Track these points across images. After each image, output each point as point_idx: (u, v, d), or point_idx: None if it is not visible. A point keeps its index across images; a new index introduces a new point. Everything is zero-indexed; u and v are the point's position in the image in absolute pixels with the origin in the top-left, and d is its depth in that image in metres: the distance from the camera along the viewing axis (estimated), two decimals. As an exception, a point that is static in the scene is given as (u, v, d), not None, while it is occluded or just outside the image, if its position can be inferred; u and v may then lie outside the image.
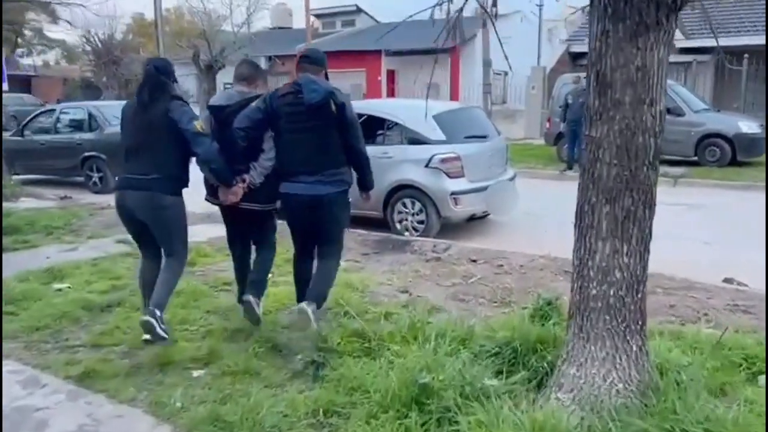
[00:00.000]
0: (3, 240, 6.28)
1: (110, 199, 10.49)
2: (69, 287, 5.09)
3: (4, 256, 5.75)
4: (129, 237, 6.80)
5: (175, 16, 42.83)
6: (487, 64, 17.47)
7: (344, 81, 25.91)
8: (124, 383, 3.43)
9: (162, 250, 4.01)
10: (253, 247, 4.50)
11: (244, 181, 3.96)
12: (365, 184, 4.28)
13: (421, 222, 7.40)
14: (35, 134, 11.82)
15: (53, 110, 11.94)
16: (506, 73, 26.28)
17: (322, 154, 3.91)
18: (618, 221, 2.70)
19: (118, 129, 11.07)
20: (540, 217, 8.74)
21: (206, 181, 4.21)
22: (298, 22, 37.46)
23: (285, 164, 3.97)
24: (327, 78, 4.06)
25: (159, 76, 3.82)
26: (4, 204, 9.26)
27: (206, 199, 4.34)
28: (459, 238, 7.58)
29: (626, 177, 2.64)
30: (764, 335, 3.75)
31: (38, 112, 12.48)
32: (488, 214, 7.91)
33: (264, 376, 3.46)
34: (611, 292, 2.75)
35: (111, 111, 11.51)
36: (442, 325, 3.72)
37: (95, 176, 11.16)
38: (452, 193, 7.19)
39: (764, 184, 9.66)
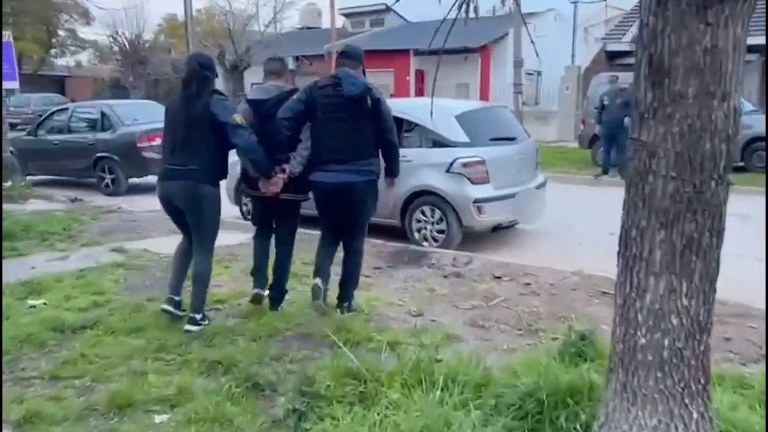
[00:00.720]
0: (-11, 247, 5.85)
1: (120, 202, 10.19)
2: (45, 303, 4.59)
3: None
4: (123, 245, 6.45)
5: (206, 17, 42.84)
6: (518, 63, 16.71)
7: (371, 81, 25.29)
8: (71, 431, 2.89)
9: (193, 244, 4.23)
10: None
11: (284, 171, 4.13)
12: (392, 172, 4.46)
13: (441, 232, 6.78)
14: (49, 134, 11.50)
15: (66, 109, 11.59)
16: (539, 73, 25.46)
17: (354, 145, 4.10)
18: (676, 251, 2.07)
19: (131, 129, 10.68)
20: (572, 227, 8.05)
21: (244, 174, 4.42)
22: (327, 22, 37.10)
23: (319, 153, 4.16)
24: (364, 74, 4.28)
25: (202, 72, 4.01)
26: (10, 206, 8.92)
27: (243, 191, 4.70)
28: (482, 249, 6.94)
29: (688, 194, 2.01)
30: None
31: (51, 111, 12.16)
32: (515, 224, 7.24)
33: (237, 425, 2.89)
34: (665, 343, 2.12)
35: (125, 110, 11.18)
36: (454, 364, 3.10)
37: (107, 178, 10.78)
38: (475, 201, 6.56)
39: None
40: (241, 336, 3.99)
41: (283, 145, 4.13)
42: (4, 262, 5.75)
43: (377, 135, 4.20)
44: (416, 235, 6.93)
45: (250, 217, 8.14)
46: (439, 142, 6.74)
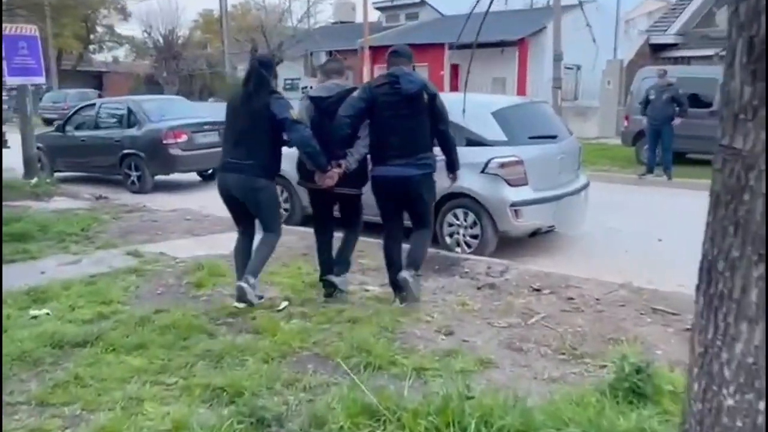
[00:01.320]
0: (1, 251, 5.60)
1: (146, 200, 9.95)
2: (47, 314, 4.29)
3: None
4: (140, 248, 6.15)
5: (241, 12, 42.83)
6: (557, 57, 16.10)
7: (406, 76, 24.91)
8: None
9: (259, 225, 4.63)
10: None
11: (339, 165, 4.31)
12: (453, 166, 4.75)
13: (474, 237, 6.33)
14: (76, 130, 11.34)
15: (93, 105, 11.42)
16: (578, 68, 24.66)
17: (413, 140, 4.34)
18: (778, 291, 1.59)
19: (157, 126, 10.52)
20: (617, 231, 7.51)
21: (300, 167, 4.57)
22: (361, 16, 36.76)
23: (379, 149, 4.38)
24: (414, 70, 4.49)
25: (260, 71, 4.32)
26: (34, 204, 8.75)
27: (299, 183, 4.80)
28: (519, 256, 6.47)
29: (797, 218, 1.54)
30: None
31: (79, 107, 12.02)
32: (554, 229, 6.73)
33: (235, 472, 2.51)
34: (760, 407, 1.65)
35: (152, 106, 10.96)
36: (488, 403, 2.66)
37: (133, 175, 10.56)
38: (512, 204, 6.09)
39: None
40: (252, 356, 3.61)
41: (342, 140, 4.30)
42: (13, 266, 5.51)
43: (433, 129, 4.44)
44: (448, 239, 6.49)
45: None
46: (473, 141, 6.27)
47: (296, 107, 4.54)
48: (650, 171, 11.68)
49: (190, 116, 10.99)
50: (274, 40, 22.63)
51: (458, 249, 6.41)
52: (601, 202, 7.93)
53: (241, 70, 30.58)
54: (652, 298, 4.79)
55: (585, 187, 6.96)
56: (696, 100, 11.95)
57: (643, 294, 4.91)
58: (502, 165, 6.10)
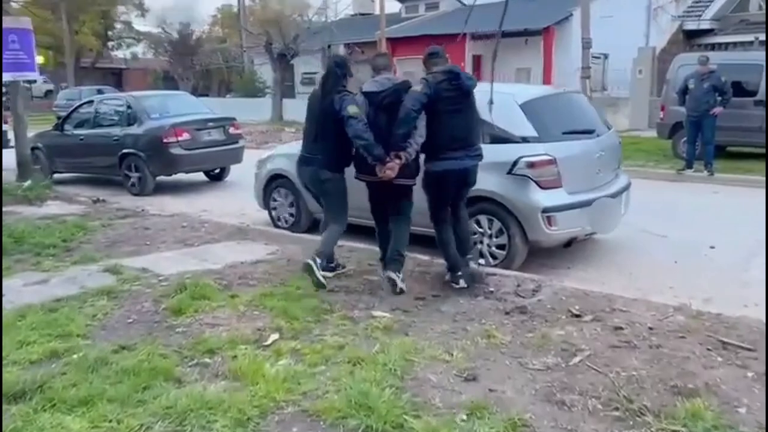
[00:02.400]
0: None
1: (146, 203, 9.26)
2: (-10, 353, 3.59)
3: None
4: (121, 262, 5.45)
5: (260, 6, 42.15)
6: (586, 44, 15.15)
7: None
8: None
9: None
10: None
11: (399, 157, 4.49)
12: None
13: (501, 247, 5.53)
14: (75, 129, 10.70)
15: (92, 101, 10.75)
16: (605, 57, 23.57)
17: (470, 133, 4.70)
18: None
19: (158, 123, 9.87)
20: (662, 238, 6.66)
21: (359, 161, 4.76)
22: (388, 7, 35.92)
23: (439, 143, 4.59)
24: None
25: (336, 71, 4.78)
26: (24, 209, 8.14)
27: (356, 177, 4.90)
28: (551, 268, 5.69)
29: None
30: None
31: (79, 104, 11.40)
32: (593, 235, 5.90)
33: None
34: None
35: (152, 103, 10.32)
36: None
37: (133, 176, 9.89)
38: (544, 210, 5.28)
39: None
40: (223, 415, 2.87)
41: (408, 133, 4.49)
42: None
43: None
44: (471, 250, 5.70)
45: (281, 222, 7.19)
46: (499, 137, 5.47)
47: None
48: (689, 166, 10.76)
49: (193, 113, 10.29)
50: (290, 33, 21.88)
51: (482, 261, 5.61)
52: (638, 201, 7.08)
53: (257, 65, 30.07)
54: (716, 326, 3.96)
55: (626, 188, 6.11)
56: (738, 88, 10.97)
57: (705, 320, 4.08)
58: (532, 165, 5.29)
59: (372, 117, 4.61)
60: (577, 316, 4.17)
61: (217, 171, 10.89)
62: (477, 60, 24.46)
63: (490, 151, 5.40)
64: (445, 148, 4.59)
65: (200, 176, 11.08)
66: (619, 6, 23.98)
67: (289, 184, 6.94)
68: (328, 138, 4.75)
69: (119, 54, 46.29)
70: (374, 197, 5.02)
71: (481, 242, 5.64)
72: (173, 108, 10.26)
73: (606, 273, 5.63)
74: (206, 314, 4.20)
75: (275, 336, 3.79)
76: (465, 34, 24.00)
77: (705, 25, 18.78)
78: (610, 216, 5.74)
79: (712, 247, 6.23)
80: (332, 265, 5.14)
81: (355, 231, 5.70)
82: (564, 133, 5.54)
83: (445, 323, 4.07)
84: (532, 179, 5.30)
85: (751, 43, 16.33)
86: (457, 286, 4.79)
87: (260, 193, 7.47)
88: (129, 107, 9.99)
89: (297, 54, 21.03)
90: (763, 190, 8.95)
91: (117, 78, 46.83)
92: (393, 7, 32.80)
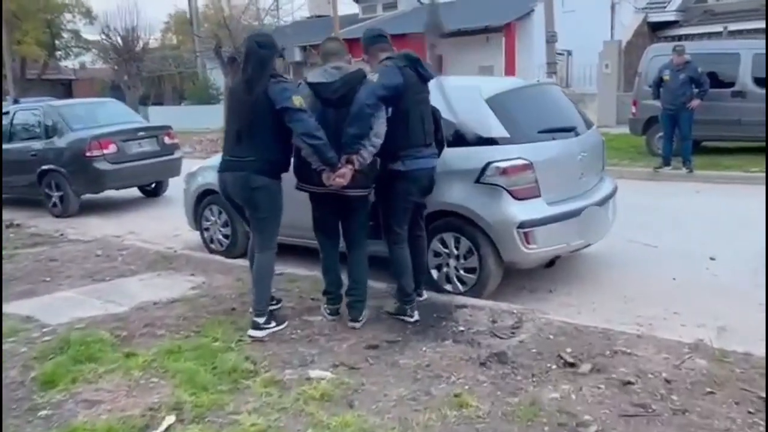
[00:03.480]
0: None
1: (67, 226, 8.03)
2: None
3: None
4: (7, 308, 4.38)
5: (213, 11, 40.79)
6: (551, 38, 14.41)
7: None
8: None
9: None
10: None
11: (351, 162, 3.73)
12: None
13: (470, 271, 4.60)
14: (-10, 143, 9.47)
15: (8, 113, 9.51)
16: (569, 53, 22.97)
17: (430, 128, 4.03)
18: None
19: (80, 135, 8.36)
20: (652, 249, 5.83)
21: (300, 167, 3.93)
22: (339, 9, 34.89)
23: (410, 137, 3.89)
24: None
25: (261, 52, 3.75)
26: None
27: (297, 188, 4.03)
28: (531, 292, 4.79)
29: None
30: None
31: (-8, 115, 10.15)
32: (584, 248, 4.99)
33: None
34: None
35: (75, 112, 9.17)
36: None
37: (55, 196, 8.73)
38: (521, 225, 4.37)
39: None
40: None
41: (362, 134, 3.74)
42: None
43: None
44: (435, 273, 4.76)
45: (214, 245, 6.18)
46: (464, 139, 4.54)
47: None
48: (667, 163, 10.01)
49: (122, 122, 9.17)
50: (240, 35, 20.75)
51: (449, 287, 4.70)
52: (619, 205, 6.28)
53: (210, 69, 28.79)
54: (749, 373, 3.10)
55: (613, 193, 5.25)
56: (714, 80, 10.27)
57: (732, 363, 3.21)
58: (505, 171, 4.37)
59: (319, 113, 3.77)
60: (572, 365, 3.25)
61: (153, 186, 9.77)
62: (438, 59, 23.63)
63: (454, 156, 4.52)
64: (416, 145, 3.88)
65: (135, 192, 9.96)
66: (581, 2, 23.48)
67: (221, 200, 5.91)
68: (260, 136, 3.76)
69: (68, 64, 44.43)
70: (320, 213, 4.11)
71: (447, 265, 4.70)
72: (99, 118, 9.13)
73: (595, 295, 4.75)
74: (87, 385, 3.17)
75: (170, 419, 2.78)
76: (424, 33, 23.30)
77: (670, 17, 18.22)
78: (597, 227, 4.89)
79: (713, 259, 5.41)
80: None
81: (292, 252, 4.74)
82: (540, 132, 4.64)
83: (404, 384, 3.12)
84: (504, 188, 4.39)
85: (719, 33, 15.77)
86: (411, 320, 3.98)
87: (190, 211, 6.43)
88: (48, 118, 8.81)
89: (248, 57, 19.89)
90: (747, 188, 8.25)
91: (66, 89, 44.95)
92: (351, 8, 31.94)
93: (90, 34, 40.06)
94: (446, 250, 4.69)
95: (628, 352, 3.39)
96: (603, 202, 4.96)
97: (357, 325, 3.92)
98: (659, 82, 9.86)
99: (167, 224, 7.67)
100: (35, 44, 38.85)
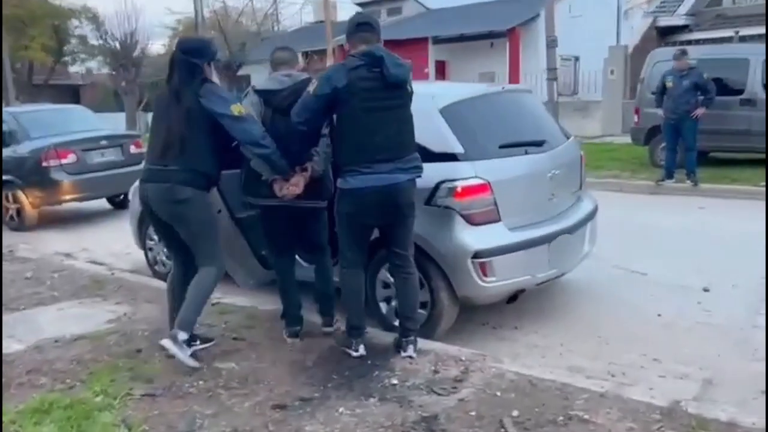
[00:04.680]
0: None
1: (22, 241, 7.50)
2: None
3: None
4: None
5: (219, 18, 40.47)
6: (551, 43, 13.71)
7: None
8: None
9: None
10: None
11: (305, 169, 3.55)
12: None
13: (422, 305, 3.99)
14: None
15: (-34, 121, 9.07)
16: (576, 59, 22.31)
17: (402, 138, 3.43)
18: None
19: (37, 144, 7.60)
20: (640, 276, 5.20)
21: (248, 180, 3.70)
22: (343, 15, 34.51)
23: (355, 152, 3.35)
24: None
25: (185, 58, 3.44)
26: None
27: (246, 202, 3.86)
28: (494, 328, 4.18)
29: None
30: None
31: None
32: (555, 278, 4.35)
33: None
34: None
35: (35, 119, 8.69)
36: None
37: (12, 208, 8.23)
38: (476, 255, 3.76)
39: None
40: None
41: (304, 142, 3.55)
42: None
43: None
44: (383, 307, 4.17)
45: (158, 266, 5.65)
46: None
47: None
48: (670, 176, 9.35)
49: (85, 130, 8.67)
50: (235, 41, 20.37)
51: (398, 322, 4.09)
52: (610, 224, 5.64)
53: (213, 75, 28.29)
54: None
55: (591, 216, 4.61)
56: (721, 86, 9.59)
57: (712, 437, 2.58)
58: (458, 192, 3.77)
59: (269, 121, 3.54)
60: (522, 427, 2.64)
61: (122, 197, 9.25)
62: (441, 65, 23.10)
63: (402, 174, 3.91)
64: (364, 159, 3.33)
65: (103, 203, 9.45)
66: (588, 5, 22.81)
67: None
68: (190, 147, 3.40)
69: (75, 70, 44.32)
70: (272, 228, 3.81)
71: (394, 298, 4.10)
72: (62, 125, 8.63)
73: (566, 334, 4.13)
74: None
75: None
76: (427, 39, 22.76)
77: (679, 21, 17.50)
78: (570, 255, 4.27)
79: (706, 290, 4.76)
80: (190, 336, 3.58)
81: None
82: (502, 147, 4.03)
83: (300, 461, 2.52)
84: (458, 212, 3.78)
85: (730, 38, 15.06)
86: (355, 354, 3.56)
87: (135, 228, 5.89)
88: (5, 125, 8.33)
89: (243, 63, 19.44)
90: (757, 204, 7.57)
91: (74, 94, 44.93)
92: (352, 12, 31.49)
93: (96, 39, 39.99)
94: (392, 280, 4.09)
95: (585, 419, 2.77)
96: (578, 227, 4.34)
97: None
98: (663, 89, 9.21)
99: (123, 241, 7.13)
100: (42, 50, 38.82)
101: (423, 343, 3.71)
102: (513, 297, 4.09)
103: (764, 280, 4.70)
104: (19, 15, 36.82)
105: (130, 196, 6.09)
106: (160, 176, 3.45)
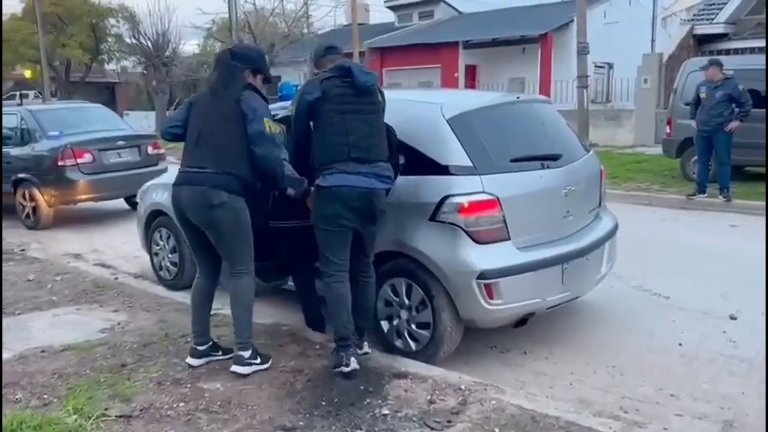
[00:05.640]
0: None
1: (34, 240, 7.49)
2: None
3: None
4: None
5: (255, 19, 40.67)
6: (582, 49, 13.35)
7: (413, 78, 22.39)
8: None
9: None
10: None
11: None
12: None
13: (424, 326, 3.78)
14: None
15: (-13, 117, 9.10)
16: (610, 66, 21.83)
17: (376, 143, 3.44)
18: None
19: (53, 142, 7.46)
20: (662, 299, 4.89)
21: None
22: (375, 18, 34.37)
23: (333, 151, 3.37)
24: None
25: (231, 62, 3.44)
26: None
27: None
28: (501, 352, 3.93)
29: None
30: None
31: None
32: (568, 302, 4.09)
33: None
34: None
35: (53, 117, 8.65)
36: None
37: (28, 206, 8.22)
38: (482, 276, 3.52)
39: None
40: None
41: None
42: None
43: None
44: (385, 326, 3.96)
45: (163, 273, 5.52)
46: (416, 166, 3.74)
47: None
48: (702, 190, 8.96)
49: (103, 129, 8.63)
50: (266, 41, 20.33)
51: (399, 343, 3.89)
52: (635, 237, 5.35)
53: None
54: None
55: (610, 235, 4.33)
56: (758, 98, 9.18)
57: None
58: (464, 208, 3.54)
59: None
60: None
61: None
62: (471, 69, 22.80)
63: (406, 186, 3.72)
64: (341, 158, 3.35)
65: (121, 203, 9.40)
66: (624, 11, 22.30)
67: (170, 223, 5.24)
68: (228, 147, 3.34)
69: (112, 67, 44.98)
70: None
71: (399, 317, 3.89)
72: (80, 124, 8.61)
73: (578, 363, 3.86)
74: None
75: None
76: (458, 43, 22.49)
77: (718, 30, 16.95)
78: (584, 277, 4.01)
79: (733, 318, 4.45)
80: (203, 348, 3.60)
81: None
82: (513, 161, 3.79)
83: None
84: (463, 229, 3.55)
85: (770, 47, 14.49)
86: (347, 370, 3.38)
87: (142, 232, 5.79)
88: (23, 122, 8.32)
89: (272, 64, 19.36)
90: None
91: (110, 92, 45.67)
92: (387, 17, 31.30)
93: (130, 38, 40.53)
94: (397, 299, 3.88)
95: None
96: (595, 247, 4.07)
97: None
98: (697, 100, 8.84)
99: (134, 243, 7.03)
100: (79, 48, 39.48)
101: (422, 369, 3.50)
102: (521, 321, 3.84)
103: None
104: (59, 13, 37.59)
105: (137, 199, 5.99)
106: (194, 179, 3.36)
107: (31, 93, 38.64)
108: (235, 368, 3.41)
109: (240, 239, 3.41)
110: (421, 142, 3.72)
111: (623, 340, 4.19)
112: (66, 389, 3.24)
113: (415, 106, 3.99)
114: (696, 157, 9.32)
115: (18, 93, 37.12)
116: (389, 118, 3.60)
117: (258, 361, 3.46)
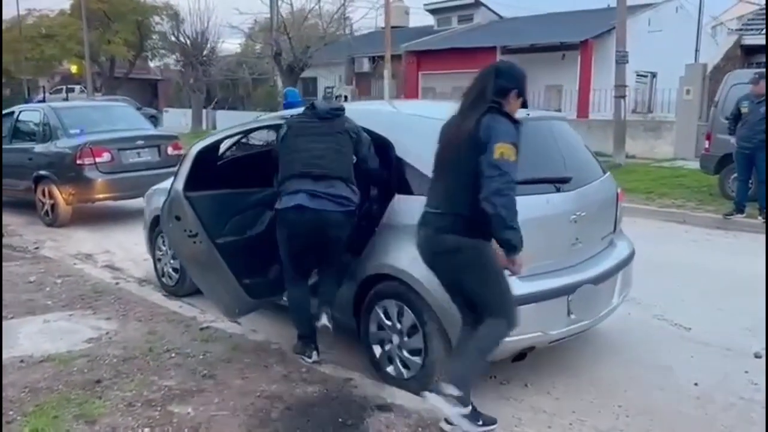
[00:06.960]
0: None
1: (49, 238, 7.56)
2: None
3: None
4: None
5: (293, 18, 40.86)
6: (621, 59, 12.89)
7: (448, 83, 22.07)
8: None
9: None
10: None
11: None
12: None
13: (415, 352, 3.56)
14: (-3, 144, 9.13)
15: (12, 113, 9.14)
16: (653, 75, 21.19)
17: (332, 164, 3.61)
18: None
19: (73, 140, 7.39)
20: (684, 332, 4.55)
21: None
22: (415, 21, 34.15)
23: (283, 170, 3.67)
24: None
25: (489, 78, 3.02)
26: None
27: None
28: (501, 383, 3.67)
29: None
30: None
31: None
32: (574, 335, 3.81)
33: None
34: None
35: (75, 115, 8.68)
36: None
37: (47, 203, 8.24)
38: (477, 305, 3.28)
39: None
40: None
41: None
42: None
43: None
44: (377, 351, 3.75)
45: (165, 279, 5.43)
46: (408, 185, 3.52)
47: None
48: (740, 210, 8.48)
49: (125, 129, 8.61)
50: (300, 42, 20.31)
51: (390, 369, 3.67)
52: (662, 259, 4.99)
53: (278, 76, 28.66)
54: None
55: (625, 262, 4.03)
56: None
57: None
58: (460, 232, 3.30)
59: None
60: None
61: (160, 198, 9.16)
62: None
63: (401, 208, 3.50)
64: (288, 176, 3.59)
65: (141, 203, 9.37)
66: (669, 20, 21.62)
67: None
68: (458, 184, 2.94)
69: (156, 64, 45.78)
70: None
71: (390, 341, 3.68)
72: (102, 122, 8.62)
73: (580, 401, 3.58)
74: None
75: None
76: (495, 48, 22.11)
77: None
78: (593, 309, 3.72)
79: (758, 356, 4.10)
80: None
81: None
82: (518, 183, 3.53)
83: None
84: (458, 254, 3.32)
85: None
86: (309, 360, 3.74)
87: (147, 236, 5.72)
88: (45, 120, 8.35)
89: (306, 66, 19.37)
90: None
91: (153, 89, 46.50)
92: (426, 20, 31.04)
93: (172, 36, 41.16)
94: (389, 323, 3.67)
95: None
96: (606, 276, 3.78)
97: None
98: (737, 115, 8.39)
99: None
100: (124, 44, 40.27)
101: (409, 401, 3.27)
102: (520, 355, 3.58)
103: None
104: (105, 10, 38.40)
105: (144, 202, 5.90)
106: (428, 220, 3.03)
107: (77, 87, 39.48)
108: (426, 395, 3.01)
109: (489, 286, 3.06)
110: (418, 160, 3.50)
111: (634, 375, 3.89)
112: (31, 406, 3.11)
113: (412, 120, 3.79)
114: (735, 175, 8.87)
115: (64, 87, 37.98)
116: (394, 134, 3.46)
117: (480, 423, 2.99)
